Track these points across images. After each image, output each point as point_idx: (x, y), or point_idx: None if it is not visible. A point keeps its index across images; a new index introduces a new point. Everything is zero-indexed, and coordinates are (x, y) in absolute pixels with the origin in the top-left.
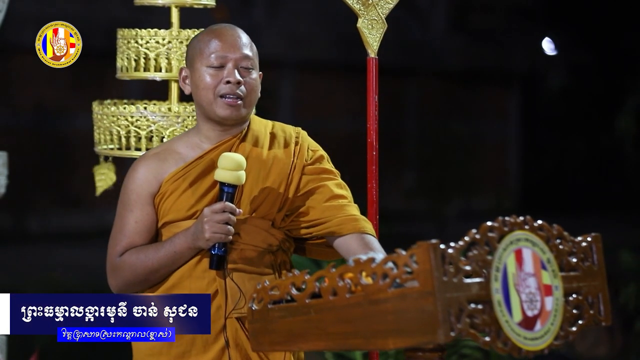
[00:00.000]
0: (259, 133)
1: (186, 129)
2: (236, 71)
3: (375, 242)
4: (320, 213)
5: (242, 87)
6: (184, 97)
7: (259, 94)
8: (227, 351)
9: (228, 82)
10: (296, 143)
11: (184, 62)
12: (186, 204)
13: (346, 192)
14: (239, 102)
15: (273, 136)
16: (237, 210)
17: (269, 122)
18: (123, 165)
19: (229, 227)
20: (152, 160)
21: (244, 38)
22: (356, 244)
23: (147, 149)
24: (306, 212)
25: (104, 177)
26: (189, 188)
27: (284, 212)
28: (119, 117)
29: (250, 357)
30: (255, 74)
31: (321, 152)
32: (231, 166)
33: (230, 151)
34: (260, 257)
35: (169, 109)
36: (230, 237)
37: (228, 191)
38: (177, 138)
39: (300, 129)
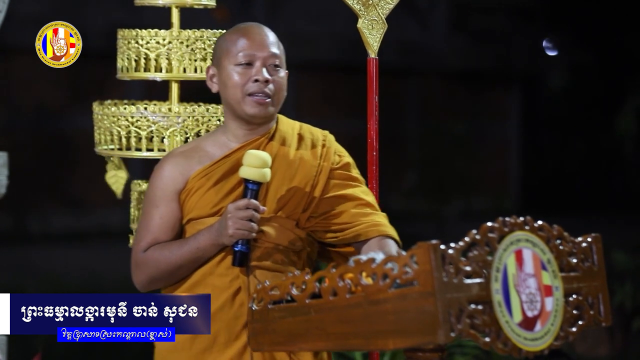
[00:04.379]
0: (287, 134)
1: (186, 130)
2: (264, 69)
3: (396, 247)
4: (348, 218)
5: (271, 86)
6: (184, 97)
7: (286, 93)
8: (248, 349)
9: (256, 80)
10: (323, 146)
11: (210, 60)
12: (211, 201)
13: (372, 199)
14: (268, 100)
15: (300, 137)
16: (261, 207)
17: (297, 123)
18: (124, 166)
19: (252, 224)
20: (178, 158)
21: (272, 37)
22: (378, 247)
23: (147, 150)
24: (333, 216)
25: (116, 179)
26: (215, 186)
27: (308, 212)
28: (119, 117)
29: (273, 355)
30: (283, 73)
31: (348, 158)
32: (256, 163)
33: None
34: (283, 256)
35: (169, 109)
36: (254, 234)
37: (252, 188)
38: (205, 137)
39: (327, 132)
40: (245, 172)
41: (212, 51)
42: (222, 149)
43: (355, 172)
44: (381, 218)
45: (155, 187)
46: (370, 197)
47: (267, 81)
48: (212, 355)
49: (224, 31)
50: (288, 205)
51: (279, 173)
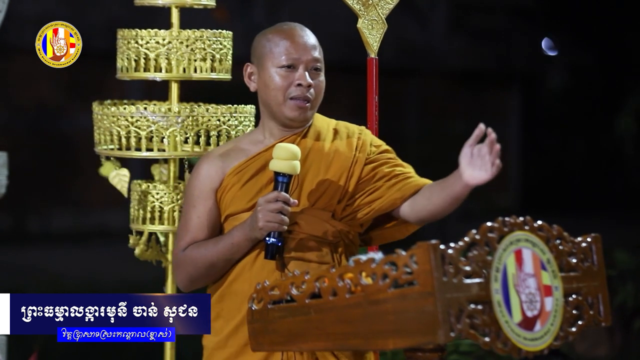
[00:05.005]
0: (322, 129)
1: (186, 129)
2: (307, 74)
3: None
4: (383, 191)
5: (312, 90)
6: (183, 97)
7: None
8: None
9: (299, 85)
10: (359, 138)
11: (251, 58)
12: (247, 196)
13: (408, 169)
14: (307, 104)
15: (336, 132)
16: (292, 200)
17: (333, 120)
18: (123, 166)
19: (282, 216)
20: (215, 157)
21: (313, 39)
22: (414, 198)
23: (147, 150)
24: (368, 193)
25: (119, 179)
26: (250, 181)
27: (344, 203)
28: (119, 117)
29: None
30: (322, 76)
31: (385, 146)
32: (285, 156)
33: None
34: (319, 248)
35: (169, 109)
36: (285, 226)
37: (282, 181)
38: (243, 136)
39: (364, 127)
40: (275, 165)
41: (211, 51)
42: (257, 146)
43: (392, 155)
44: (415, 176)
45: (192, 187)
46: (405, 168)
47: (309, 86)
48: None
49: (223, 31)
50: (323, 196)
51: (314, 165)
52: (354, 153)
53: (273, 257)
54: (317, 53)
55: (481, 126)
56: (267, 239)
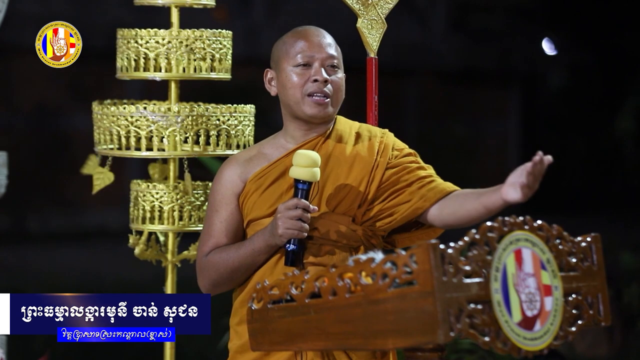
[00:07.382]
0: (344, 132)
1: (185, 129)
2: (323, 70)
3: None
4: (404, 198)
5: (329, 86)
6: (183, 97)
7: (344, 94)
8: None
9: (315, 80)
10: (380, 142)
11: (270, 64)
12: (268, 201)
13: (431, 171)
14: (327, 100)
15: (358, 135)
16: (312, 207)
17: (356, 123)
18: (123, 165)
19: (302, 223)
20: (237, 162)
21: (329, 38)
22: (440, 208)
23: (146, 149)
24: (389, 199)
25: (102, 177)
26: (271, 186)
27: (364, 208)
28: (118, 117)
29: (331, 353)
30: (341, 73)
31: (408, 150)
32: (305, 163)
33: (314, 150)
34: (340, 253)
35: (169, 109)
36: (305, 233)
37: (302, 188)
38: (265, 140)
39: (387, 130)
40: (295, 172)
41: (211, 50)
42: (279, 150)
43: (414, 158)
44: (437, 179)
45: (215, 192)
46: (427, 171)
47: (325, 81)
48: (272, 355)
49: (223, 31)
50: (344, 201)
51: (334, 170)
52: (375, 157)
53: (293, 264)
54: (333, 50)
55: (539, 153)
56: (287, 245)
